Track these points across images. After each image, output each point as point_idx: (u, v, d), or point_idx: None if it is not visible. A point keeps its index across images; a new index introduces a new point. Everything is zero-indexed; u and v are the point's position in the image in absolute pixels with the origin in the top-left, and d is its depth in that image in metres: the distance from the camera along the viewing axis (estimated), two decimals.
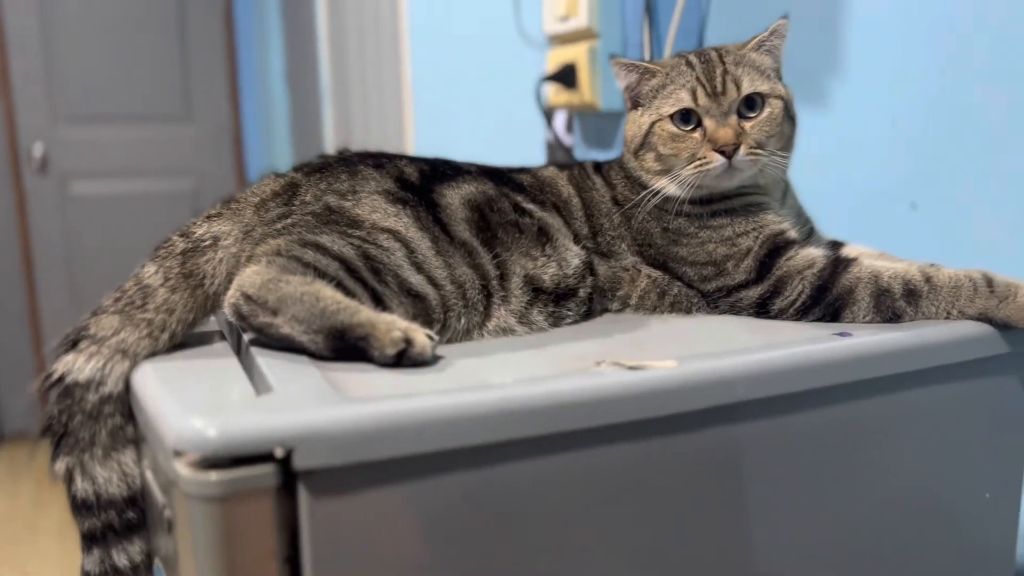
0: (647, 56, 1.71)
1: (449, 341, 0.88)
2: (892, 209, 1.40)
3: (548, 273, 0.94)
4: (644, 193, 1.01)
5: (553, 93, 1.90)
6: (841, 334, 0.87)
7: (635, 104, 1.04)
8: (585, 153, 2.00)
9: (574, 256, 0.97)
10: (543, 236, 0.96)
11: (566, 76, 1.79)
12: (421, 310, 0.85)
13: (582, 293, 0.97)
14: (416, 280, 0.86)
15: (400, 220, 0.89)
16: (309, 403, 0.66)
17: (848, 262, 0.93)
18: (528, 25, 2.01)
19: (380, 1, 3.28)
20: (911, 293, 0.89)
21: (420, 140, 3.04)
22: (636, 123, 1.03)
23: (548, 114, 2.04)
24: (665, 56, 1.66)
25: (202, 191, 4.94)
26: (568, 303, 0.95)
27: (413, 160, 0.99)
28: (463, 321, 0.88)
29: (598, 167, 1.09)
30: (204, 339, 0.89)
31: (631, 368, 0.76)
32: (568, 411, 0.71)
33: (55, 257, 4.69)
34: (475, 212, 0.94)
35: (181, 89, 4.88)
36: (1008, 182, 1.23)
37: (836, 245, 1.09)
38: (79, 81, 4.62)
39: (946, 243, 1.32)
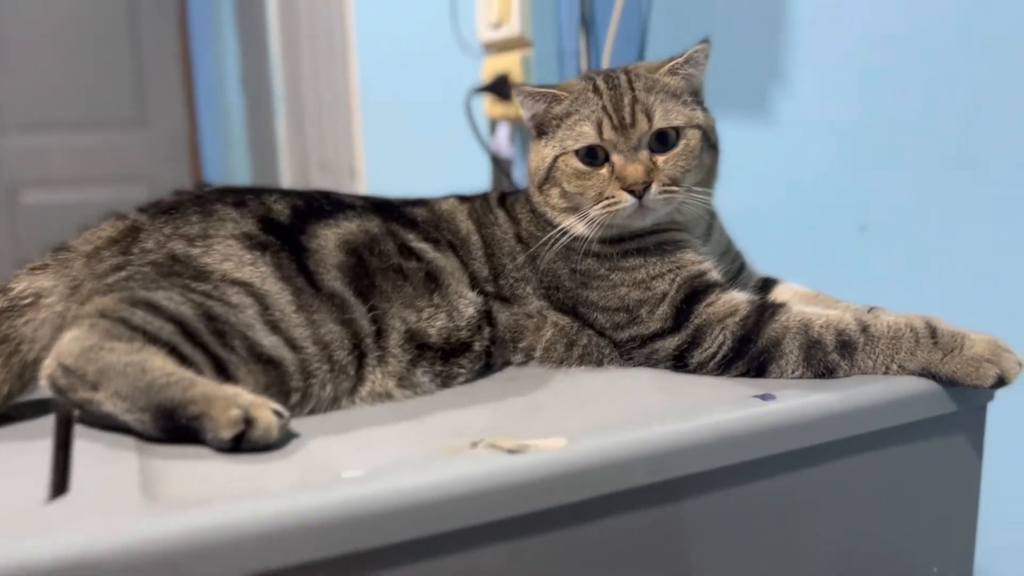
0: (584, 66, 1.60)
1: (313, 412, 0.76)
2: (841, 231, 1.29)
3: (435, 326, 0.82)
4: (551, 232, 0.89)
5: (490, 104, 1.79)
6: (763, 396, 0.76)
7: (540, 132, 0.92)
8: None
9: (468, 304, 0.85)
10: (431, 282, 0.84)
11: (500, 87, 1.67)
12: (275, 378, 0.73)
13: (477, 347, 0.85)
14: (269, 342, 0.73)
15: (256, 270, 0.77)
16: (99, 515, 0.54)
17: (775, 309, 0.82)
18: (465, 32, 1.89)
19: (330, 8, 3.17)
20: (845, 345, 0.79)
21: (369, 146, 2.92)
22: (539, 155, 0.91)
23: (492, 125, 1.93)
24: (604, 64, 1.55)
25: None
26: (460, 359, 0.84)
27: (287, 195, 0.87)
28: (329, 388, 0.76)
29: (503, 199, 0.98)
30: (30, 412, 0.77)
31: (511, 451, 0.65)
32: (429, 511, 0.60)
33: (4, 268, 4.52)
34: (352, 256, 0.82)
35: (134, 94, 4.73)
36: (961, 201, 1.13)
37: (768, 284, 0.98)
38: (27, 87, 4.45)
39: (898, 268, 1.22)
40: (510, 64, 1.64)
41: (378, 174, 2.89)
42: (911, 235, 1.18)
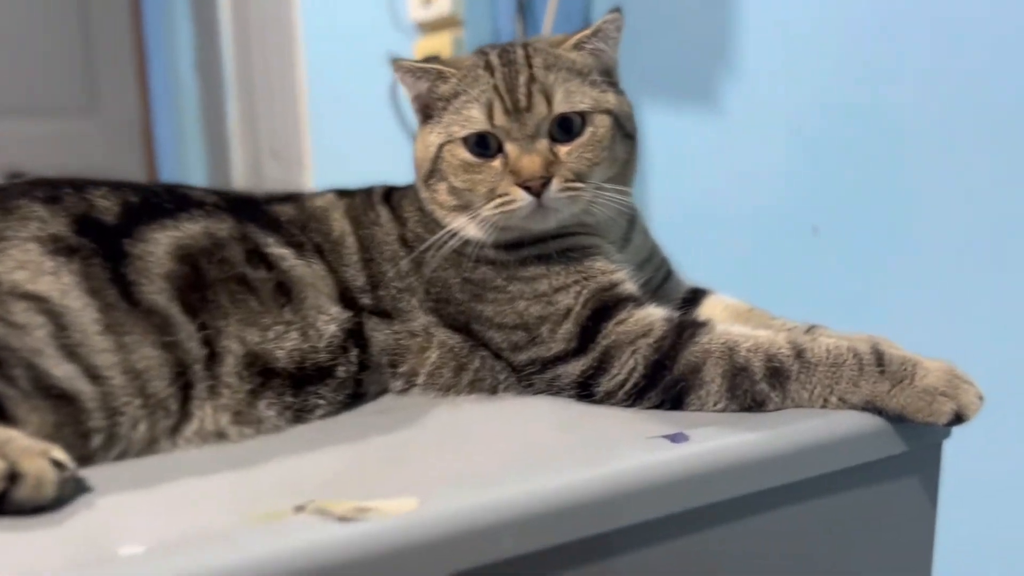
0: None
1: (123, 456, 0.62)
2: (792, 233, 1.17)
3: (285, 347, 0.68)
4: (439, 234, 0.75)
5: None
6: (673, 437, 0.63)
7: (425, 116, 0.79)
8: None
9: (329, 321, 0.71)
10: (282, 295, 0.70)
11: None
12: (69, 416, 0.59)
13: (341, 372, 0.71)
14: (62, 372, 0.59)
15: (57, 281, 0.62)
16: None
17: (696, 328, 0.69)
18: (400, 10, 1.75)
19: None
20: (776, 373, 0.66)
21: (317, 134, 2.78)
22: (424, 143, 0.78)
23: None
24: None
25: None
26: (318, 388, 0.70)
27: (120, 189, 0.73)
28: (143, 428, 0.62)
29: (388, 195, 0.84)
30: None
31: (343, 517, 0.51)
32: None
33: None
34: (185, 264, 0.68)
35: (84, 79, 4.53)
36: (916, 203, 1.00)
37: (696, 296, 0.85)
38: None
39: (850, 270, 1.10)
40: (441, 46, 1.50)
41: (326, 163, 2.74)
42: (867, 239, 1.06)
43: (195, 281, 0.67)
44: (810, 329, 0.76)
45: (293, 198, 0.82)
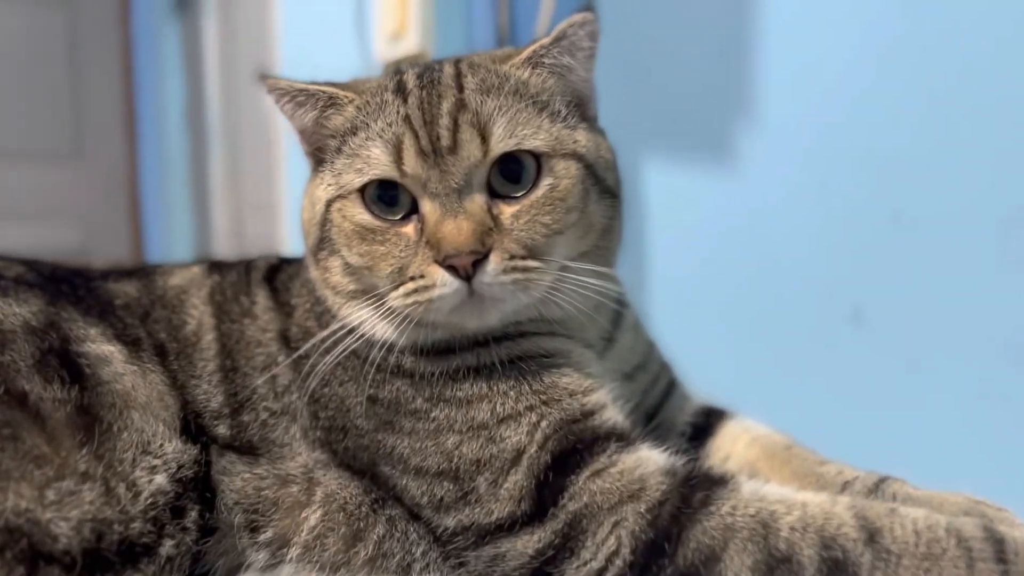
0: None
1: None
2: (827, 319, 0.93)
3: (71, 517, 0.44)
4: (330, 328, 0.52)
5: None
6: None
7: (317, 161, 0.56)
8: None
9: (155, 470, 0.48)
10: (81, 427, 0.46)
11: None
12: None
13: (169, 550, 0.47)
14: None
15: None
16: None
17: (713, 488, 0.45)
18: (368, 48, 1.55)
19: (261, 45, 2.87)
20: (837, 568, 0.42)
21: (296, 186, 2.58)
22: (309, 200, 0.55)
23: None
24: None
25: (91, 241, 4.43)
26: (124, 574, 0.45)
27: None
28: None
29: (273, 272, 0.61)
30: None
31: None
32: None
33: None
34: None
35: (71, 125, 4.41)
36: (969, 278, 0.77)
37: (709, 422, 0.61)
38: None
39: (897, 365, 0.86)
40: None
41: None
42: (919, 325, 0.83)
43: None
44: (880, 485, 0.52)
45: (143, 273, 0.59)
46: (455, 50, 1.32)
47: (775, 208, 0.98)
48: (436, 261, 0.49)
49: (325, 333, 0.52)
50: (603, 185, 0.55)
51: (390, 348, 0.52)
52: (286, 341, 0.55)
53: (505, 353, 0.52)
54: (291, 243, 2.68)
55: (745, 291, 0.99)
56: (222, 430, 0.53)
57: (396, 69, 0.56)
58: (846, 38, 0.91)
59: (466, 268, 0.48)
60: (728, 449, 0.59)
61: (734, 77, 0.98)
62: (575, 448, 0.49)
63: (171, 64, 4.26)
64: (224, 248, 3.53)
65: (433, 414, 0.51)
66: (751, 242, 0.99)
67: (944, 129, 0.82)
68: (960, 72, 0.80)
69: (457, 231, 0.48)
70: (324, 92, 0.55)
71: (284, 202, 2.65)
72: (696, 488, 0.46)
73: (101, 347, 0.51)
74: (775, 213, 0.98)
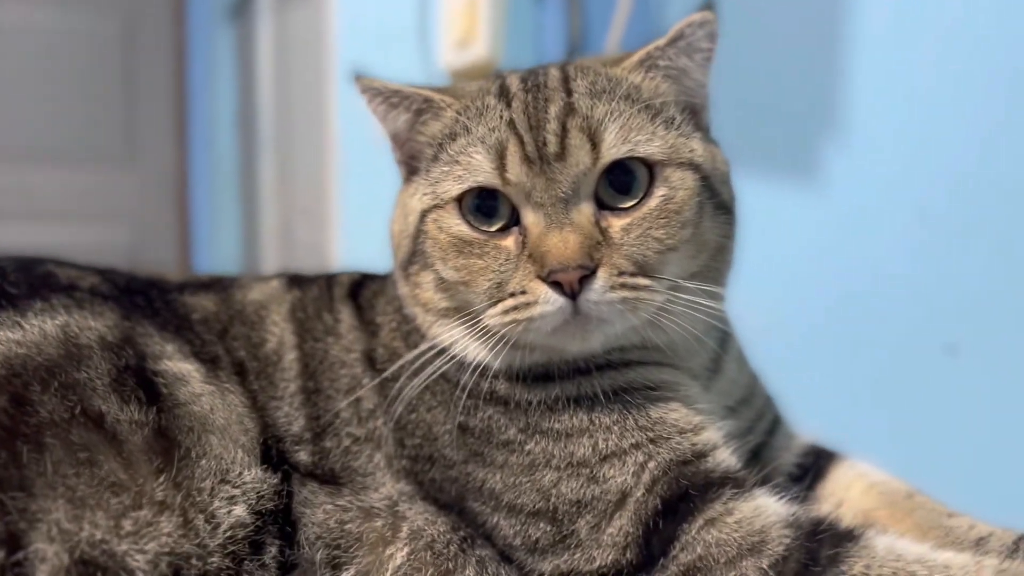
0: None
1: None
2: (922, 351, 0.88)
3: (148, 550, 0.41)
4: (420, 348, 0.49)
5: None
6: None
7: (410, 170, 0.53)
8: None
9: (234, 500, 0.44)
10: (159, 451, 0.43)
11: None
12: None
13: None
14: None
15: None
16: None
17: (841, 544, 0.41)
18: (434, 56, 1.53)
19: (318, 49, 2.87)
20: None
21: (349, 193, 2.58)
22: (402, 211, 0.52)
23: None
24: None
25: (140, 243, 4.51)
26: None
27: None
28: None
29: (356, 288, 0.57)
30: None
31: None
32: None
33: None
34: (3, 395, 0.41)
35: (124, 129, 4.49)
36: None
37: (817, 463, 0.57)
38: (9, 116, 4.21)
39: (997, 401, 0.80)
40: None
41: (356, 222, 2.53)
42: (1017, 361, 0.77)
43: (7, 425, 0.41)
44: (1019, 544, 0.46)
45: (218, 285, 0.56)
46: (525, 59, 1.29)
47: (865, 231, 0.93)
48: (539, 276, 0.45)
49: (413, 354, 0.49)
50: (718, 200, 0.51)
51: (483, 371, 0.49)
52: (371, 362, 0.52)
53: (608, 383, 0.48)
54: (340, 249, 2.67)
55: (832, 317, 0.94)
56: (303, 456, 0.50)
57: (497, 74, 0.53)
58: (942, 53, 0.86)
59: (572, 284, 0.45)
60: (841, 495, 0.54)
61: (824, 93, 0.94)
62: (687, 493, 0.44)
63: (224, 69, 4.31)
64: (271, 253, 3.55)
65: (528, 447, 0.47)
66: (839, 266, 0.94)
67: None
68: None
69: (563, 244, 0.45)
70: (420, 95, 0.52)
71: (334, 208, 2.65)
72: (824, 543, 0.42)
73: (178, 365, 0.48)
74: (865, 236, 0.93)
